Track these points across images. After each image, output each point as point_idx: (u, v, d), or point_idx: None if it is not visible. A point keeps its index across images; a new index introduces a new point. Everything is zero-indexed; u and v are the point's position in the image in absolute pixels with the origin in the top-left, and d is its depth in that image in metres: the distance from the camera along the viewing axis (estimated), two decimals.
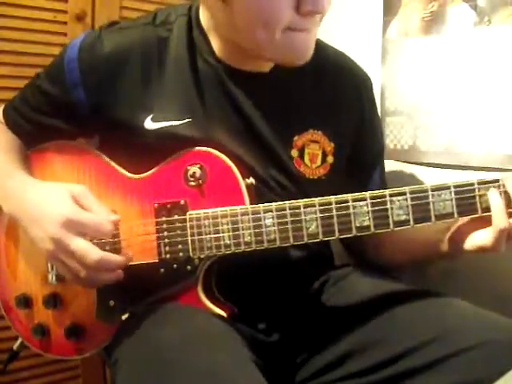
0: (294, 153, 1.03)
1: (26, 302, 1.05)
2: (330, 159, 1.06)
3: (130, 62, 0.98)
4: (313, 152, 1.04)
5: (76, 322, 1.02)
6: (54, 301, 1.02)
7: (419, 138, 1.37)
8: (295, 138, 1.03)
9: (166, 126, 0.97)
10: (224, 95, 1.00)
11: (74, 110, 1.01)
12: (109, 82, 0.98)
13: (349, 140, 1.09)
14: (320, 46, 1.05)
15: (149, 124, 0.97)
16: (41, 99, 1.04)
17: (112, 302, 0.98)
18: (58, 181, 1.03)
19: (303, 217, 0.91)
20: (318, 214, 0.91)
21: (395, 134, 1.41)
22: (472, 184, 0.88)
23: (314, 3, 0.87)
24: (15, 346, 1.12)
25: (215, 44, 1.00)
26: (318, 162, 1.05)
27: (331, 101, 1.07)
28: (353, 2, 1.47)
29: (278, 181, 1.03)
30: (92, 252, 0.87)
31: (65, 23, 1.42)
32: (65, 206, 0.90)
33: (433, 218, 0.89)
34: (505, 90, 1.21)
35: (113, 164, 1.02)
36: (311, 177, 1.04)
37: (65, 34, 1.41)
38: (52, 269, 1.02)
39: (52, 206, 0.90)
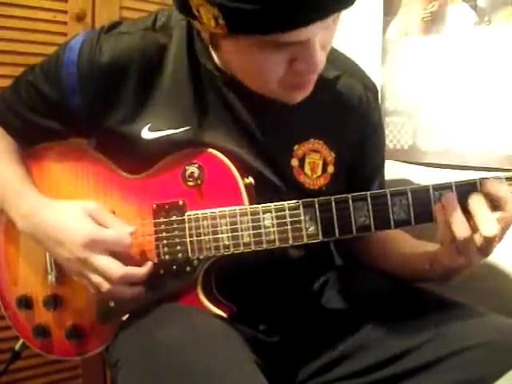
0: (295, 162, 1.01)
1: (26, 302, 1.05)
2: (331, 169, 1.03)
3: (128, 72, 0.96)
4: (313, 161, 1.02)
5: (76, 323, 1.02)
6: (54, 302, 1.03)
7: (419, 137, 1.37)
8: (295, 147, 1.01)
9: (164, 136, 0.96)
10: (223, 105, 0.98)
11: (71, 114, 0.99)
12: (106, 90, 0.96)
13: (350, 150, 1.06)
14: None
15: (146, 134, 0.96)
16: (36, 98, 1.02)
17: (112, 303, 0.98)
18: (55, 182, 1.04)
19: (302, 217, 0.90)
20: (318, 214, 0.90)
21: (395, 134, 1.41)
22: (474, 182, 0.87)
23: (308, 66, 0.82)
24: (17, 346, 1.12)
25: (215, 56, 0.96)
26: (319, 171, 1.02)
27: (334, 110, 1.04)
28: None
29: (277, 191, 1.00)
30: (116, 268, 0.91)
31: (65, 23, 1.41)
32: (85, 227, 0.92)
33: (434, 218, 0.87)
34: (505, 90, 1.21)
35: (111, 164, 1.01)
36: (311, 187, 1.02)
37: (65, 34, 1.40)
38: (52, 270, 1.03)
39: (72, 228, 0.92)
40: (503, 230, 0.85)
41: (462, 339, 0.88)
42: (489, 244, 0.84)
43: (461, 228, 0.84)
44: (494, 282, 1.24)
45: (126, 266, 0.92)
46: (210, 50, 0.94)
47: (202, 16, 0.77)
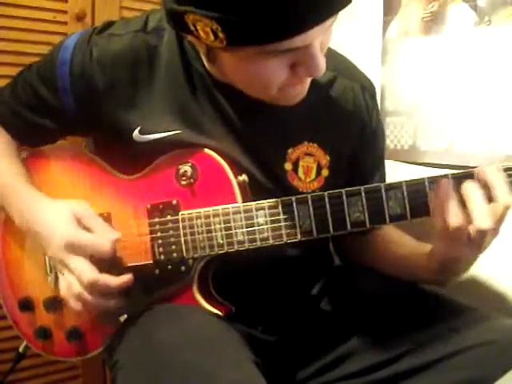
0: (288, 166, 1.00)
1: (28, 305, 1.06)
2: (325, 172, 1.02)
3: (117, 74, 0.96)
4: (307, 165, 1.01)
5: (76, 324, 1.03)
6: (54, 304, 1.03)
7: (419, 138, 1.36)
8: (289, 150, 1.00)
9: (154, 139, 0.96)
10: (215, 108, 0.97)
11: (64, 113, 1.00)
12: (96, 92, 0.96)
13: (347, 153, 1.05)
14: None
15: (137, 136, 0.96)
16: (32, 97, 1.03)
17: None
18: (52, 184, 1.04)
19: (296, 213, 0.90)
20: (312, 210, 0.89)
21: (395, 134, 1.41)
22: (471, 174, 0.84)
23: (311, 70, 0.82)
24: (21, 348, 1.13)
25: (206, 62, 0.95)
26: (313, 175, 1.02)
27: (329, 112, 1.03)
28: (353, 1, 1.47)
29: (270, 195, 0.97)
30: (88, 272, 0.89)
31: (65, 23, 1.42)
32: (67, 229, 0.92)
33: (431, 212, 0.85)
34: (505, 90, 1.20)
35: (106, 166, 1.02)
36: (304, 191, 1.01)
37: (65, 34, 1.39)
38: (51, 271, 1.03)
39: (56, 228, 0.93)
40: (497, 222, 0.82)
41: (462, 339, 0.89)
42: (482, 237, 0.81)
43: (453, 217, 0.82)
44: (496, 283, 1.23)
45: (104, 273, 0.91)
46: (201, 55, 0.93)
47: (199, 31, 0.76)
